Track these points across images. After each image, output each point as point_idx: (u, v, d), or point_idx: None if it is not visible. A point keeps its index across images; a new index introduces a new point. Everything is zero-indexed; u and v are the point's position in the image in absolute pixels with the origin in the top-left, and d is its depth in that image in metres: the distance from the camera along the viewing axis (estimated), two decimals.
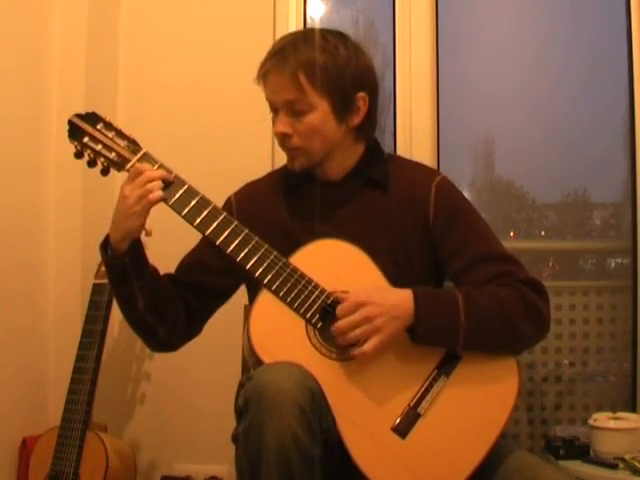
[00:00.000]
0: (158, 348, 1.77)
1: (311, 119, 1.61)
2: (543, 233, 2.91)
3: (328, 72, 1.60)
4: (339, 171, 1.70)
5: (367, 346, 1.47)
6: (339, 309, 1.49)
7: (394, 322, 1.49)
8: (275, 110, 1.65)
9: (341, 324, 1.48)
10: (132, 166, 1.57)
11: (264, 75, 1.63)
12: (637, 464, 2.01)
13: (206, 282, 1.74)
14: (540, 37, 2.78)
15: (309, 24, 2.75)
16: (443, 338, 1.53)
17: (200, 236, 1.62)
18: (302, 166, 1.67)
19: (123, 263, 1.59)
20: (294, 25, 2.69)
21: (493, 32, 2.80)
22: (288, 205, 1.71)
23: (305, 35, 1.65)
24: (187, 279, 1.73)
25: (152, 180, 1.54)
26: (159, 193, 1.54)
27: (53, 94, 2.46)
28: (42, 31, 2.45)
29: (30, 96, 2.41)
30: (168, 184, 1.57)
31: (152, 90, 2.66)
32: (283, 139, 1.65)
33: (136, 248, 1.60)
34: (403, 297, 1.52)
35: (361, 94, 1.65)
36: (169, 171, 1.58)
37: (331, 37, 1.64)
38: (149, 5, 2.69)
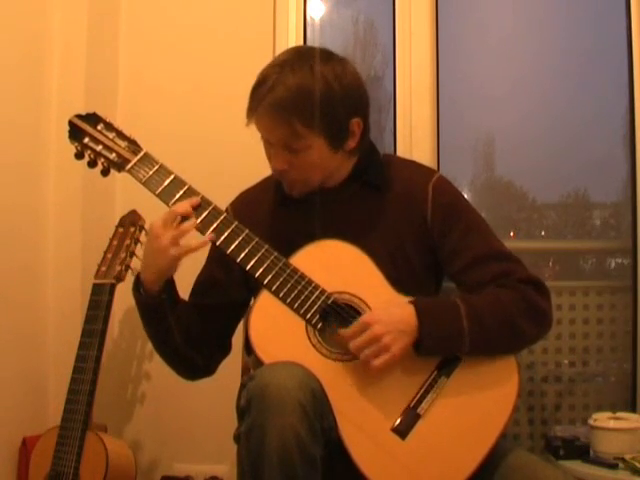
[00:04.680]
0: (197, 376, 1.76)
1: (308, 156, 1.60)
2: (543, 233, 2.91)
3: (321, 110, 1.56)
4: (336, 180, 1.70)
5: (376, 362, 1.48)
6: (346, 332, 1.49)
7: (402, 338, 1.49)
8: (269, 143, 1.63)
9: (352, 346, 1.48)
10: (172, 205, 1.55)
11: (256, 119, 1.60)
12: (637, 464, 2.01)
13: (224, 299, 1.73)
14: (540, 37, 2.78)
15: (309, 24, 2.74)
16: (448, 347, 1.53)
17: (205, 251, 1.61)
18: (301, 194, 1.67)
19: (161, 302, 1.59)
20: (294, 25, 2.68)
21: (493, 32, 2.80)
22: (285, 212, 1.71)
23: (292, 68, 1.57)
24: (206, 302, 1.72)
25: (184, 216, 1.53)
26: (189, 246, 1.53)
27: (53, 95, 2.46)
28: (42, 32, 2.45)
29: (30, 97, 2.40)
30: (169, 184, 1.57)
31: (152, 91, 2.66)
32: (281, 173, 1.64)
33: (170, 284, 1.61)
34: (406, 312, 1.52)
35: (355, 120, 1.63)
36: (169, 172, 1.58)
37: (317, 63, 1.58)
38: (149, 6, 2.69)
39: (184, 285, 1.73)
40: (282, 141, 1.59)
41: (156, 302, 1.59)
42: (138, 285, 1.61)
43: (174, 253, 1.52)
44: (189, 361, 1.69)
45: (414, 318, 1.51)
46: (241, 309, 1.76)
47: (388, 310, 1.52)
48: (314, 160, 1.61)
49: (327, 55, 1.63)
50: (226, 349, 1.77)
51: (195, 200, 1.55)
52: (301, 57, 1.60)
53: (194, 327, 1.67)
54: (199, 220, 1.55)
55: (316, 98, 1.56)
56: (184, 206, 1.54)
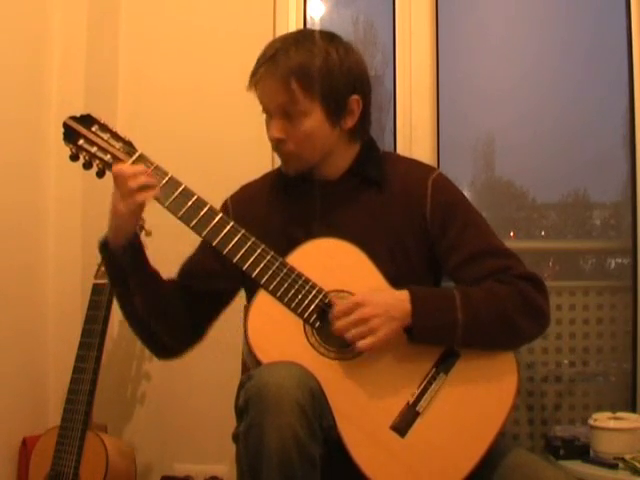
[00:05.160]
0: (163, 354, 1.76)
1: (305, 125, 1.61)
2: (543, 233, 2.91)
3: (320, 78, 1.59)
4: (335, 171, 1.70)
5: (362, 344, 1.47)
6: (336, 310, 1.49)
7: (391, 322, 1.49)
8: (268, 113, 1.65)
9: (338, 324, 1.48)
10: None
11: (256, 81, 1.62)
12: (637, 464, 2.01)
13: (208, 286, 1.72)
14: (540, 37, 2.78)
15: (309, 24, 2.75)
16: (441, 336, 1.53)
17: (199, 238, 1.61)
18: (297, 171, 1.67)
19: (120, 261, 1.59)
20: (294, 25, 2.69)
21: (493, 32, 2.80)
22: (284, 205, 1.71)
23: (296, 39, 1.63)
24: (189, 284, 1.72)
25: (134, 179, 1.52)
26: (144, 195, 1.52)
27: (53, 95, 2.46)
28: (42, 32, 2.45)
29: (30, 97, 2.41)
30: (164, 185, 1.56)
31: (152, 90, 2.67)
32: (277, 144, 1.64)
33: (134, 246, 1.60)
34: (400, 298, 1.52)
35: (354, 97, 1.64)
36: (165, 172, 1.58)
37: (322, 41, 1.62)
38: (149, 6, 2.69)
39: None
40: (280, 107, 1.60)
41: (117, 260, 1.59)
42: (105, 245, 1.61)
43: (122, 209, 1.53)
44: (153, 335, 1.68)
45: (408, 304, 1.50)
46: (222, 300, 1.76)
47: (381, 293, 1.52)
48: (310, 129, 1.61)
49: (334, 37, 1.67)
50: (200, 335, 1.75)
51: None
52: (305, 34, 1.68)
53: (163, 300, 1.65)
54: (195, 221, 1.55)
55: (317, 66, 1.59)
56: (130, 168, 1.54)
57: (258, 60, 1.63)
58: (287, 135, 1.62)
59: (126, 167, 1.54)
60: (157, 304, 1.65)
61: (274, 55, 1.59)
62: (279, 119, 1.61)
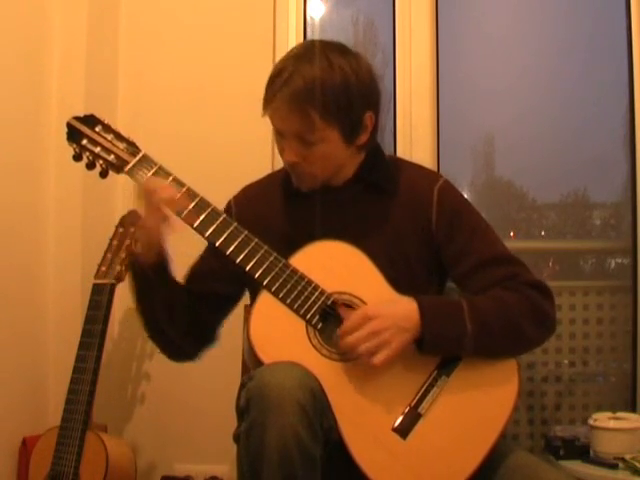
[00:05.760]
0: (180, 360, 1.77)
1: (322, 149, 1.59)
2: (543, 233, 2.91)
3: (337, 102, 1.55)
4: (340, 177, 1.70)
5: (376, 359, 1.47)
6: (345, 326, 1.49)
7: (402, 334, 1.49)
8: (281, 135, 1.62)
9: (350, 339, 1.47)
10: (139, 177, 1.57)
11: (273, 109, 1.58)
12: (637, 464, 2.01)
13: (216, 289, 1.72)
14: (540, 37, 2.78)
15: (309, 24, 2.74)
16: (450, 347, 1.53)
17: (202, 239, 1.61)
18: (309, 188, 1.67)
19: (149, 276, 1.60)
20: (294, 25, 2.68)
21: (493, 32, 2.80)
22: (288, 209, 1.71)
23: (308, 59, 1.57)
24: (197, 289, 1.72)
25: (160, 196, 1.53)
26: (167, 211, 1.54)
27: (53, 95, 2.46)
28: (42, 32, 2.45)
29: (30, 97, 2.40)
30: None
31: (152, 91, 2.66)
32: (293, 166, 1.63)
33: (162, 264, 1.61)
34: (409, 309, 1.51)
35: (369, 114, 1.62)
36: (168, 173, 1.58)
37: (334, 56, 1.57)
38: (149, 6, 2.69)
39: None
40: (297, 133, 1.58)
41: (146, 275, 1.60)
42: (135, 259, 1.63)
43: (150, 224, 1.56)
44: (171, 341, 1.70)
45: (416, 315, 1.50)
46: (231, 302, 1.77)
47: (390, 305, 1.52)
48: (327, 153, 1.60)
49: (343, 48, 1.63)
50: (213, 338, 1.76)
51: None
52: (317, 50, 1.61)
53: (183, 311, 1.67)
54: (198, 222, 1.55)
55: (333, 89, 1.55)
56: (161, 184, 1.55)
57: (271, 83, 1.58)
58: (303, 158, 1.60)
59: (154, 180, 1.54)
60: (176, 311, 1.66)
61: (289, 80, 1.54)
62: (294, 142, 1.59)
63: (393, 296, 1.56)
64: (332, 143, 1.59)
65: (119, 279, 2.22)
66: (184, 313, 1.67)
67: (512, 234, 2.84)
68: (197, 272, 1.76)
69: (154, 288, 1.62)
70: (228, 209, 1.75)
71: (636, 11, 2.61)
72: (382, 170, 1.71)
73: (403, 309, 1.51)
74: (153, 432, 2.58)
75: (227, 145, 2.59)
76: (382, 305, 1.51)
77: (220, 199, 1.75)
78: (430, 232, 1.65)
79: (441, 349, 1.53)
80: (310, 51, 1.60)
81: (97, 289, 2.25)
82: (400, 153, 2.60)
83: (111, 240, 2.29)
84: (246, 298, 1.77)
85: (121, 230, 2.28)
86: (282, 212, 1.71)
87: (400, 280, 1.57)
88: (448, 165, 2.65)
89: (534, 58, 2.76)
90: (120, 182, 2.37)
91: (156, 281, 1.61)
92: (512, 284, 1.59)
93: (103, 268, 2.25)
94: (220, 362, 2.40)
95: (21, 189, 2.35)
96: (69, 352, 2.20)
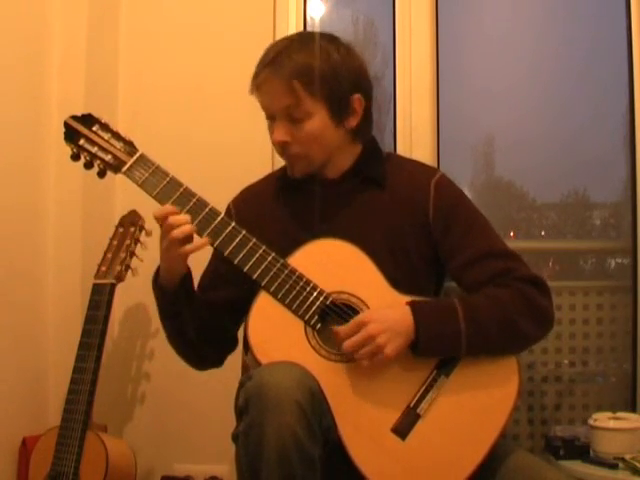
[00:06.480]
0: (207, 367, 1.80)
1: (309, 126, 1.61)
2: (543, 233, 2.91)
3: (323, 78, 1.59)
4: (336, 170, 1.70)
5: (370, 362, 1.49)
6: (342, 332, 1.49)
7: (397, 338, 1.49)
8: (271, 118, 1.65)
9: (345, 346, 1.48)
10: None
11: (259, 85, 1.63)
12: (637, 464, 2.01)
13: (229, 294, 1.73)
14: (540, 37, 2.78)
15: (309, 24, 2.74)
16: (445, 348, 1.53)
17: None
18: (303, 173, 1.67)
19: (175, 297, 1.62)
20: (294, 25, 2.68)
21: (493, 32, 2.80)
22: (286, 205, 1.71)
23: (296, 41, 1.64)
24: (212, 297, 1.73)
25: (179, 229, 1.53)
26: (185, 249, 1.55)
27: (53, 95, 2.46)
28: (42, 32, 2.45)
29: (30, 97, 2.40)
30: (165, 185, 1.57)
31: (152, 91, 2.66)
32: (282, 147, 1.65)
33: (186, 280, 1.62)
34: (402, 312, 1.52)
35: (357, 96, 1.65)
36: (165, 173, 1.58)
37: (323, 42, 1.63)
38: (149, 6, 2.68)
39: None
40: (283, 109, 1.60)
41: (171, 297, 1.62)
42: (156, 280, 1.64)
43: (173, 254, 1.56)
44: (201, 353, 1.73)
45: (410, 319, 1.51)
46: (248, 304, 1.77)
47: (384, 310, 1.52)
48: (315, 131, 1.62)
49: (332, 37, 1.69)
50: (235, 342, 1.79)
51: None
52: (306, 36, 1.71)
53: (205, 321, 1.68)
54: (195, 222, 1.55)
55: (319, 66, 1.59)
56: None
57: (259, 63, 1.63)
58: (292, 138, 1.62)
59: (173, 218, 1.54)
60: (199, 323, 1.67)
61: (275, 57, 1.60)
62: (283, 122, 1.62)
63: (392, 295, 1.56)
64: (319, 120, 1.61)
65: (119, 279, 2.22)
66: (205, 323, 1.68)
67: (512, 234, 2.83)
68: (208, 281, 1.77)
69: (178, 306, 1.63)
70: (227, 212, 1.75)
71: (636, 11, 2.60)
72: (379, 165, 1.71)
73: (397, 313, 1.52)
74: (153, 432, 2.58)
75: (227, 145, 2.58)
76: (376, 311, 1.52)
77: (221, 199, 1.75)
78: (428, 226, 1.66)
79: (436, 351, 1.53)
80: (300, 35, 1.70)
81: (97, 289, 2.25)
82: (400, 153, 2.58)
83: (111, 240, 2.29)
84: None
85: (121, 230, 2.28)
86: (281, 208, 1.71)
87: (400, 277, 1.58)
88: (448, 165, 2.65)
89: (534, 58, 2.75)
90: (120, 182, 2.37)
91: (180, 300, 1.62)
92: (507, 279, 1.59)
93: (103, 268, 2.25)
94: None
95: (21, 189, 2.35)
96: (69, 352, 2.20)
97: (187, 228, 1.53)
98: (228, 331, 1.76)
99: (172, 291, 1.61)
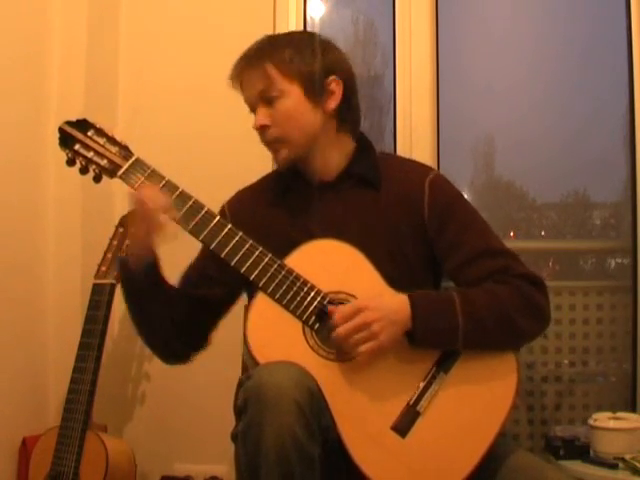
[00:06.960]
0: (172, 362, 1.77)
1: (284, 105, 1.63)
2: (543, 233, 2.91)
3: (294, 58, 1.63)
4: (330, 170, 1.70)
5: (363, 348, 1.48)
6: (337, 316, 1.49)
7: (392, 326, 1.49)
8: (253, 108, 1.67)
9: (340, 330, 1.48)
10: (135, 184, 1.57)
11: (236, 76, 1.68)
12: (637, 464, 2.01)
13: (210, 294, 1.72)
14: (540, 37, 2.78)
15: (309, 24, 2.75)
16: (442, 340, 1.53)
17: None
18: (286, 159, 1.67)
19: (139, 280, 1.61)
20: (294, 25, 2.68)
21: (493, 32, 2.80)
22: (281, 208, 1.71)
23: (272, 37, 1.70)
24: (190, 292, 1.72)
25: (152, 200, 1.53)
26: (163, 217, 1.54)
27: (53, 95, 2.46)
28: (42, 32, 2.45)
29: (30, 96, 2.41)
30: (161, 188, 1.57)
31: (152, 90, 2.66)
32: (263, 133, 1.66)
33: (154, 268, 1.61)
34: (400, 302, 1.52)
35: (332, 77, 1.66)
36: (161, 176, 1.58)
37: (297, 35, 1.71)
38: (149, 6, 2.69)
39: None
40: (259, 93, 1.63)
41: (136, 279, 1.61)
42: (123, 265, 1.63)
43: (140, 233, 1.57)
44: (166, 346, 1.71)
45: (407, 308, 1.51)
46: (225, 306, 1.77)
47: (381, 298, 1.52)
48: (290, 108, 1.63)
49: (310, 32, 1.82)
50: (205, 343, 1.76)
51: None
52: (281, 34, 1.76)
53: (176, 315, 1.67)
54: (192, 225, 1.55)
55: (290, 48, 1.64)
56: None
57: (236, 61, 1.69)
58: (271, 120, 1.63)
59: (144, 189, 1.55)
60: (169, 315, 1.66)
61: (249, 50, 1.66)
62: (261, 107, 1.64)
63: (389, 293, 1.56)
64: (294, 98, 1.63)
65: (119, 279, 2.22)
66: (176, 316, 1.67)
67: (512, 234, 2.84)
68: (191, 276, 1.76)
69: (144, 291, 1.62)
70: (222, 214, 1.74)
71: (636, 11, 2.60)
72: (372, 165, 1.71)
73: (394, 302, 1.52)
74: (153, 432, 2.58)
75: (227, 145, 2.58)
76: (373, 298, 1.52)
77: (221, 198, 1.76)
78: (423, 226, 1.65)
79: (433, 342, 1.53)
80: (275, 35, 1.76)
81: (97, 289, 2.25)
82: (400, 154, 2.59)
83: (111, 240, 2.29)
84: (244, 299, 1.77)
85: (121, 230, 2.29)
86: (275, 211, 1.71)
87: (398, 277, 1.58)
88: (448, 165, 2.65)
89: (534, 58, 2.75)
90: (120, 182, 2.37)
91: (146, 285, 1.61)
92: (504, 277, 1.59)
93: (103, 268, 2.25)
94: (220, 362, 2.41)
95: (21, 189, 2.36)
96: (69, 352, 2.20)
97: (162, 199, 1.54)
98: (200, 329, 1.74)
99: (139, 274, 1.60)
